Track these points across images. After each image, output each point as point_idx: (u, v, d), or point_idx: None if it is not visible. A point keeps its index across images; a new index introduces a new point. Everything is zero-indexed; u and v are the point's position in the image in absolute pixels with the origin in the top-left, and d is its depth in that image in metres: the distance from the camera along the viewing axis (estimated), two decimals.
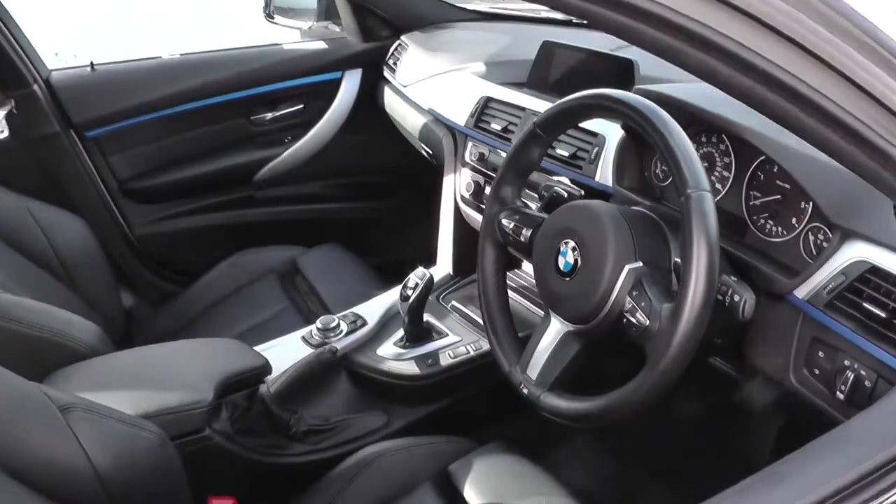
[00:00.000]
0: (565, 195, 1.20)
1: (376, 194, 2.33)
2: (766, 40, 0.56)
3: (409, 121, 1.98)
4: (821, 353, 0.95)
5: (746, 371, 1.14)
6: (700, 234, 0.87)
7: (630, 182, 1.30)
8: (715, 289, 0.88)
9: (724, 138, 1.15)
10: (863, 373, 0.90)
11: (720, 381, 1.22)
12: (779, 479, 0.65)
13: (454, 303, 1.65)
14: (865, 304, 0.89)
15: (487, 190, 1.59)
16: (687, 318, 0.86)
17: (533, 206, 1.26)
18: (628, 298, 0.96)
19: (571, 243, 1.04)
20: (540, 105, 1.51)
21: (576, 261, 1.03)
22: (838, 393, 0.92)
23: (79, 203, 1.90)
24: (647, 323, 0.92)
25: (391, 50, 2.15)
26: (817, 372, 0.96)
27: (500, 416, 1.55)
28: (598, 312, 0.99)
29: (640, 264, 0.98)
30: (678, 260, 0.99)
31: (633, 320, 0.94)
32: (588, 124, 1.34)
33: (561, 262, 1.05)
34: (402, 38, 2.13)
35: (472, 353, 1.49)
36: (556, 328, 1.08)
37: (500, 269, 1.22)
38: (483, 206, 1.61)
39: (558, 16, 2.08)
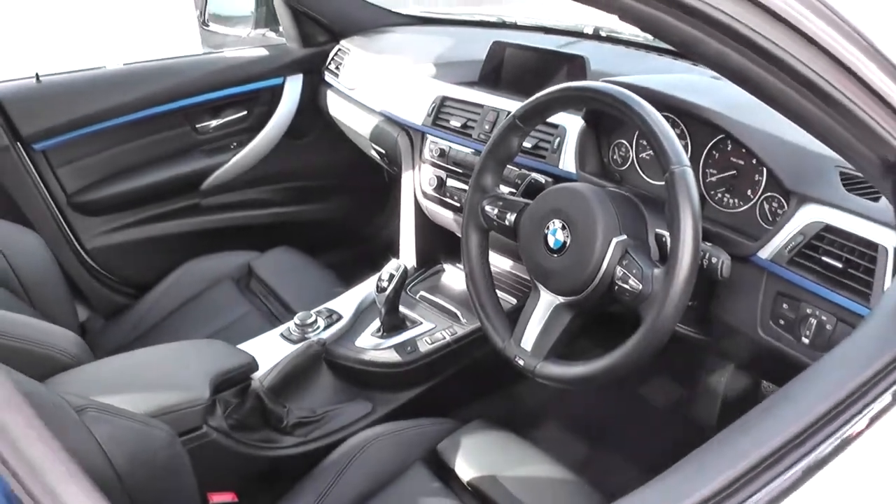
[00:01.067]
0: (543, 181, 1.30)
1: (324, 196, 2.38)
2: (765, 22, 0.67)
3: (358, 123, 2.03)
4: (785, 305, 1.09)
5: (715, 331, 1.26)
6: (686, 204, 0.99)
7: (591, 168, 1.42)
8: (700, 251, 1.00)
9: (679, 122, 1.28)
10: (824, 318, 1.03)
11: (688, 350, 1.34)
12: (755, 422, 0.73)
13: (422, 293, 1.73)
14: (823, 258, 1.03)
15: (450, 183, 1.67)
16: (679, 278, 0.98)
17: (505, 190, 1.35)
18: (618, 268, 1.07)
19: (560, 223, 1.14)
20: (497, 101, 1.60)
21: (565, 238, 1.13)
22: (803, 338, 1.06)
23: (31, 217, 1.86)
24: (641, 287, 1.03)
25: (331, 55, 2.20)
26: (782, 322, 1.10)
27: (477, 396, 1.63)
28: (589, 283, 1.09)
29: (625, 237, 1.09)
30: (659, 231, 1.11)
31: (627, 286, 1.05)
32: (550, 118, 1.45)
33: (550, 241, 1.14)
34: (342, 42, 2.19)
35: (447, 338, 1.57)
36: (546, 301, 1.17)
37: (484, 252, 1.31)
38: (446, 199, 1.69)
39: (491, 18, 2.19)
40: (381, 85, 1.94)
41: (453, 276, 1.79)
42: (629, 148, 1.38)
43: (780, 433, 0.69)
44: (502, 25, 2.14)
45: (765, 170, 1.15)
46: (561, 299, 1.16)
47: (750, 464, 0.66)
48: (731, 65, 0.71)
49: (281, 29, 2.26)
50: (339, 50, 2.18)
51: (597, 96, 1.11)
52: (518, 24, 2.10)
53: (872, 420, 0.72)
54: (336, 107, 2.16)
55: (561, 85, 1.17)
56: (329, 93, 2.19)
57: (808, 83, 0.70)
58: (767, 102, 0.77)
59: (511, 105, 1.55)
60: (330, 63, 2.20)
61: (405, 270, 1.54)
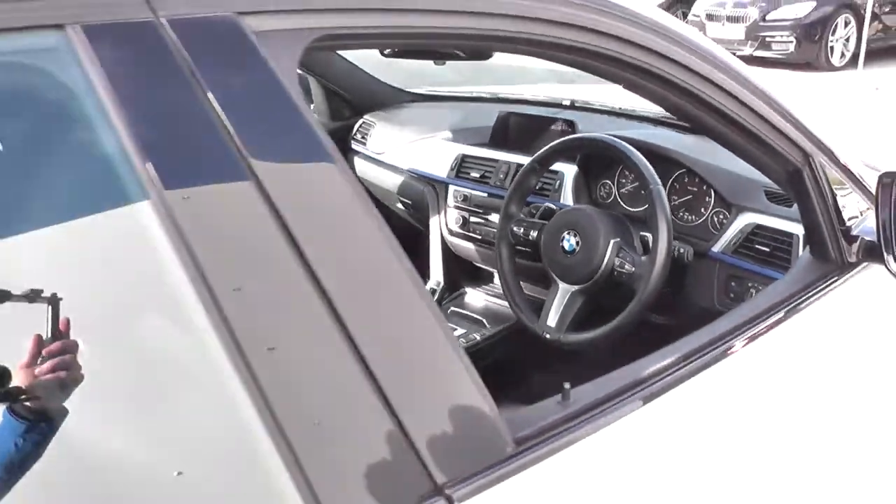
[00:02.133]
0: (554, 207, 1.77)
1: None
2: (702, 84, 1.13)
3: (386, 181, 2.50)
4: (733, 283, 1.56)
5: (681, 316, 1.71)
6: (661, 211, 1.46)
7: (584, 201, 1.90)
8: (672, 243, 1.47)
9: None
10: (759, 287, 1.50)
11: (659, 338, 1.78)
12: (686, 340, 1.03)
13: (452, 308, 2.17)
14: (756, 246, 1.51)
15: (473, 219, 2.13)
16: (659, 260, 1.44)
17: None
18: (616, 259, 1.53)
19: (573, 232, 1.60)
20: (508, 157, 2.08)
21: (577, 243, 1.59)
22: None
23: None
24: (634, 269, 1.50)
25: (356, 127, 2.68)
26: (732, 296, 1.56)
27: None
28: (595, 272, 1.55)
29: (619, 238, 1.56)
30: (642, 233, 1.58)
31: (623, 270, 1.51)
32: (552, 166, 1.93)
33: (566, 245, 1.61)
34: (366, 116, 2.68)
35: (478, 338, 2.00)
36: (563, 290, 1.63)
37: (513, 262, 1.76)
38: (470, 234, 2.15)
39: (488, 94, 2.70)
40: (407, 148, 2.42)
41: (475, 297, 2.24)
42: (612, 185, 1.86)
43: (697, 341, 1.02)
44: (497, 100, 2.65)
45: (713, 192, 1.64)
46: (574, 288, 1.61)
47: (676, 359, 1.00)
48: (684, 110, 1.17)
49: (312, 106, 2.74)
50: (364, 122, 2.67)
51: (594, 143, 1.60)
52: (510, 98, 2.61)
53: (754, 337, 1.12)
54: (363, 169, 2.63)
55: (569, 136, 1.66)
56: (356, 158, 2.66)
57: (729, 119, 1.16)
58: (705, 132, 1.24)
59: (520, 159, 2.03)
60: (356, 133, 2.68)
61: (444, 287, 1.98)
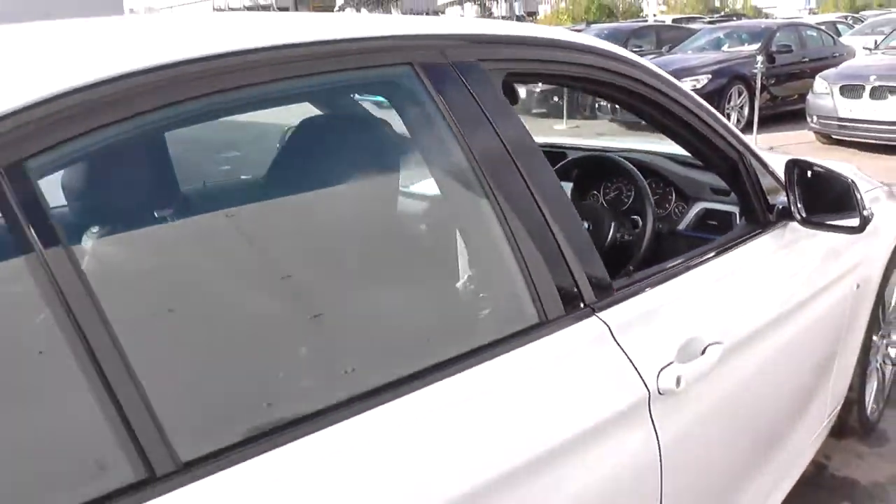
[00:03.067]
0: None
1: None
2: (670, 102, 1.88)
3: None
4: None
5: None
6: (647, 198, 2.22)
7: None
8: (655, 220, 2.21)
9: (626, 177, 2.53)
10: None
11: None
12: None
13: None
14: (707, 223, 2.27)
15: None
16: (648, 230, 2.18)
17: None
18: (617, 234, 2.26)
19: (588, 223, 2.32)
20: None
21: (588, 227, 2.31)
22: None
23: None
24: (630, 238, 2.23)
25: None
26: None
27: None
28: (604, 244, 2.27)
29: (615, 222, 2.29)
30: (633, 217, 2.32)
31: (624, 240, 2.24)
32: None
33: None
34: None
35: None
36: None
37: None
38: None
39: None
40: None
41: None
42: (599, 194, 2.61)
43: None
44: None
45: (674, 190, 2.40)
46: None
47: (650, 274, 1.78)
48: (661, 122, 1.92)
49: None
50: None
51: (599, 158, 2.35)
52: None
53: (704, 262, 1.88)
54: None
55: (586, 154, 2.40)
56: None
57: (692, 129, 1.91)
58: (674, 138, 2.00)
59: None
60: None
61: None
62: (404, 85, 1.33)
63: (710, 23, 19.72)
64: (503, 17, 51.46)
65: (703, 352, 1.42)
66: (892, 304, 2.70)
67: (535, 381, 1.22)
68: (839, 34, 14.61)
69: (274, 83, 1.12)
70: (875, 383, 2.67)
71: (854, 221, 1.86)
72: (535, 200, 1.31)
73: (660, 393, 1.33)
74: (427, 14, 56.00)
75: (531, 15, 54.22)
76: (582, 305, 1.33)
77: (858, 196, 1.86)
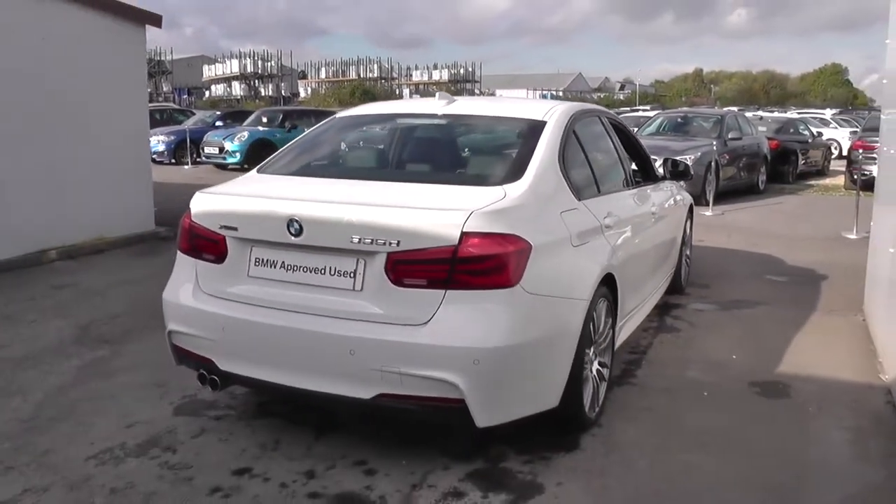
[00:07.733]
0: None
1: None
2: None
3: None
4: None
5: None
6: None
7: None
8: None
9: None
10: None
11: None
12: None
13: None
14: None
15: None
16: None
17: None
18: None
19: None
20: None
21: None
22: None
23: None
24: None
25: None
26: None
27: None
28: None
29: None
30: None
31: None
32: None
33: None
34: None
35: None
36: None
37: None
38: None
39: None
40: None
41: None
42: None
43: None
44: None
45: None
46: None
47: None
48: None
49: None
50: None
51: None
52: None
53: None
54: None
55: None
56: None
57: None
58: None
59: None
60: None
61: None
62: None
63: None
64: (270, 97, 53.66)
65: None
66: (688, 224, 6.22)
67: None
68: None
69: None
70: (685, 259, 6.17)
71: (687, 177, 5.33)
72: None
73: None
74: (189, 89, 55.62)
75: (295, 96, 56.40)
76: None
77: (690, 168, 5.32)
